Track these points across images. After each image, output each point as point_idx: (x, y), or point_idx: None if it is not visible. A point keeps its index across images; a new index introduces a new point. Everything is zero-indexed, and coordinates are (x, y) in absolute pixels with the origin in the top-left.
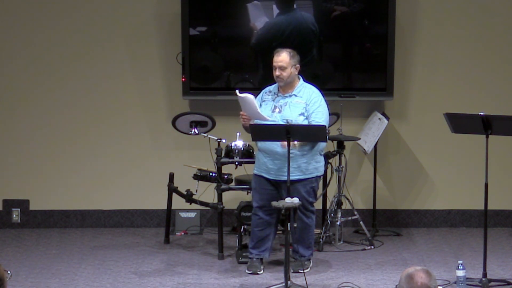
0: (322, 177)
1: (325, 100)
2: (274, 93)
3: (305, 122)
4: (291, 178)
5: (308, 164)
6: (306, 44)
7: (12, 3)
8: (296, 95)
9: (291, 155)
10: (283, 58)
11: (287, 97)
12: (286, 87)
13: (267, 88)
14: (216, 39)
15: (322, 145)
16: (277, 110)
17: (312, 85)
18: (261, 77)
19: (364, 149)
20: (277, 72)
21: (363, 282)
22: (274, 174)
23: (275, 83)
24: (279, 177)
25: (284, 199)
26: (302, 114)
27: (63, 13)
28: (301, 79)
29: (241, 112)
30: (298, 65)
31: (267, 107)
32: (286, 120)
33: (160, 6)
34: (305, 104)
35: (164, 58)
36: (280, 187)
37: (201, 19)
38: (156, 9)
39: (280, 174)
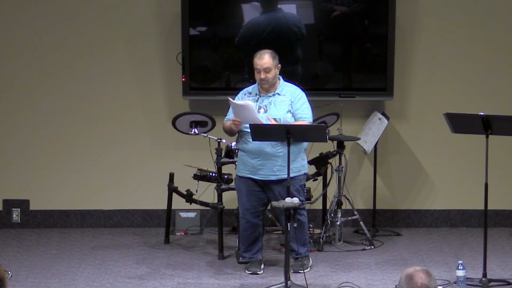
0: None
1: (306, 94)
2: (255, 94)
3: (292, 119)
4: (279, 177)
5: (295, 162)
6: (287, 45)
7: (12, 3)
8: (279, 94)
9: (279, 153)
10: (267, 60)
11: (270, 96)
12: (268, 87)
13: (245, 90)
14: (216, 39)
15: (306, 143)
16: (262, 110)
17: (292, 83)
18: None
19: (364, 149)
20: (262, 75)
21: (363, 282)
22: (263, 175)
23: (253, 83)
24: (268, 177)
25: (272, 200)
26: (289, 111)
27: (63, 13)
28: (282, 78)
29: (234, 118)
30: (279, 65)
31: None
32: (274, 118)
33: (160, 6)
34: (290, 101)
35: (164, 58)
36: (267, 188)
37: (201, 19)
38: (156, 9)
39: (269, 174)
